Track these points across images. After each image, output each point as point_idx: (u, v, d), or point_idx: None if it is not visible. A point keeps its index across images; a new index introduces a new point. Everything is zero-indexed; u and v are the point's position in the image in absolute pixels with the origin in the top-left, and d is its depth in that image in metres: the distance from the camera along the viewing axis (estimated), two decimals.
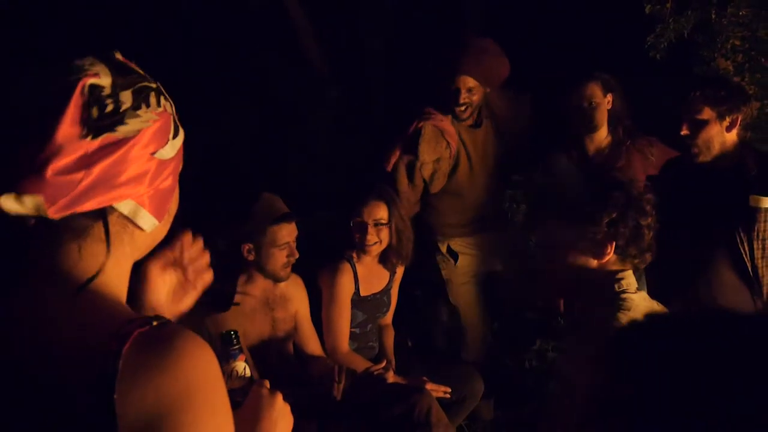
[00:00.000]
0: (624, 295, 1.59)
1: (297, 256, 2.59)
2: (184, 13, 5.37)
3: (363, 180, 3.37)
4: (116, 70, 0.84)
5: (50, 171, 0.78)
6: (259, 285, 2.64)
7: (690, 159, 2.49)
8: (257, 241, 2.54)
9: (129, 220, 0.86)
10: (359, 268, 2.89)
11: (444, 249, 3.24)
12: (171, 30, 5.27)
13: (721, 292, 2.44)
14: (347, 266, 2.86)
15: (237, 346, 1.38)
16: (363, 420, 2.45)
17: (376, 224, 2.81)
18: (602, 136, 3.03)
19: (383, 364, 2.66)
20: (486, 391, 2.94)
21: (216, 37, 5.26)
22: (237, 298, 2.55)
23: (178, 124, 0.91)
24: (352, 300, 2.87)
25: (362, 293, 2.91)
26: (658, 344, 0.55)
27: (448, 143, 3.03)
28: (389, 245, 2.86)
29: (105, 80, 0.82)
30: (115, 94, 0.82)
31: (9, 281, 0.84)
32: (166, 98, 0.89)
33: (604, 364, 0.57)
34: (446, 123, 3.02)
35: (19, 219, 0.80)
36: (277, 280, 2.63)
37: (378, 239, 2.82)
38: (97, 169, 0.80)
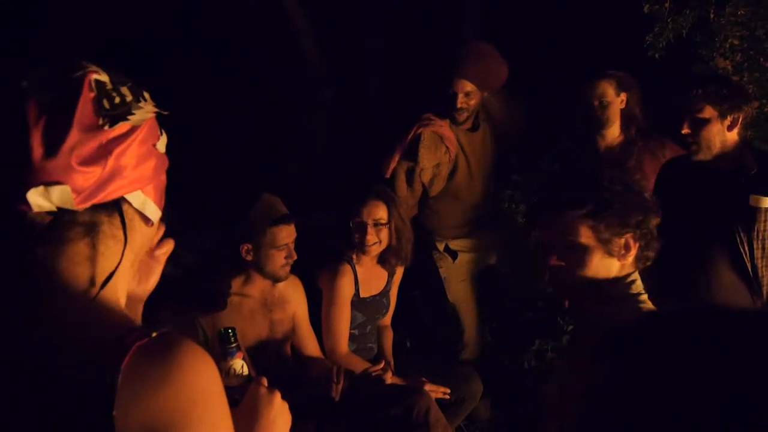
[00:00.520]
0: (642, 297, 1.59)
1: (295, 257, 2.58)
2: (183, 13, 5.37)
3: (362, 180, 3.37)
4: (107, 69, 0.86)
5: (75, 159, 0.79)
6: (258, 286, 2.63)
7: (690, 158, 2.48)
8: (256, 242, 2.53)
9: (137, 213, 0.87)
10: (359, 270, 2.88)
11: (442, 248, 3.25)
12: (171, 30, 5.27)
13: (720, 291, 2.43)
14: (348, 268, 2.85)
15: (234, 344, 1.38)
16: (361, 421, 2.44)
17: (376, 224, 2.80)
18: (614, 134, 3.00)
19: (382, 365, 2.64)
20: (484, 392, 2.94)
21: (215, 37, 5.27)
22: (235, 299, 2.54)
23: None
24: (351, 302, 2.86)
25: (362, 295, 2.90)
26: (654, 340, 0.55)
27: (447, 148, 3.04)
28: (389, 246, 2.85)
29: (104, 77, 0.84)
30: (117, 89, 0.84)
31: (9, 281, 0.83)
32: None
33: (600, 360, 0.57)
34: (445, 128, 3.03)
35: (30, 220, 0.80)
36: (276, 280, 2.62)
37: (378, 239, 2.81)
38: (113, 159, 0.82)
